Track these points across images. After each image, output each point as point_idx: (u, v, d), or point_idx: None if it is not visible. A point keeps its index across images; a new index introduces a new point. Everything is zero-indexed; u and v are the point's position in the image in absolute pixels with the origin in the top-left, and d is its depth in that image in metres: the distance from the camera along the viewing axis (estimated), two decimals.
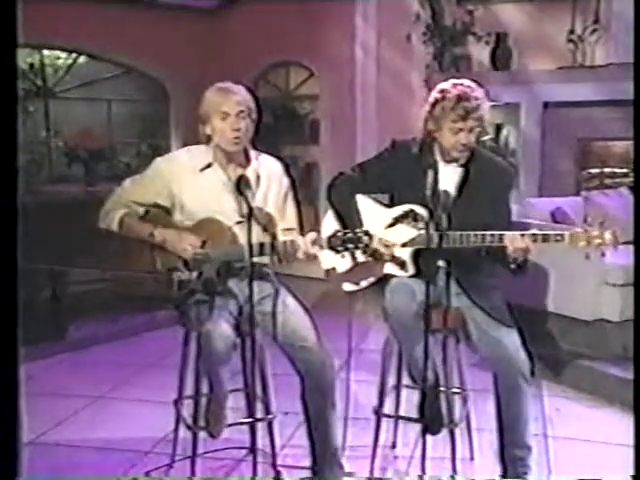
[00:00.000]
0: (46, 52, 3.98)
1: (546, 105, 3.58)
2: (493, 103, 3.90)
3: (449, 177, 1.73)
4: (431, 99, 1.72)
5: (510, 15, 3.69)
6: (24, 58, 3.79)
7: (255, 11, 4.12)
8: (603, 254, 1.63)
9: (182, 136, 4.27)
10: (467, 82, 1.70)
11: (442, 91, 1.70)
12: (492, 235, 1.63)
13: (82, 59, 4.11)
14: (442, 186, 1.65)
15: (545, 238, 1.62)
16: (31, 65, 3.92)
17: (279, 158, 1.86)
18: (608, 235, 1.59)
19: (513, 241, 1.62)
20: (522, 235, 1.62)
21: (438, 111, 1.68)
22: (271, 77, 4.46)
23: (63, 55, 4.05)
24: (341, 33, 3.96)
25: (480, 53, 3.78)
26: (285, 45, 4.12)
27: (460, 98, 1.65)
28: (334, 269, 1.82)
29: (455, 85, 1.68)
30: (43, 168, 3.96)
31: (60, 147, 3.91)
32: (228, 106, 1.68)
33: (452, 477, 1.76)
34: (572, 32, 3.48)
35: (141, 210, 1.75)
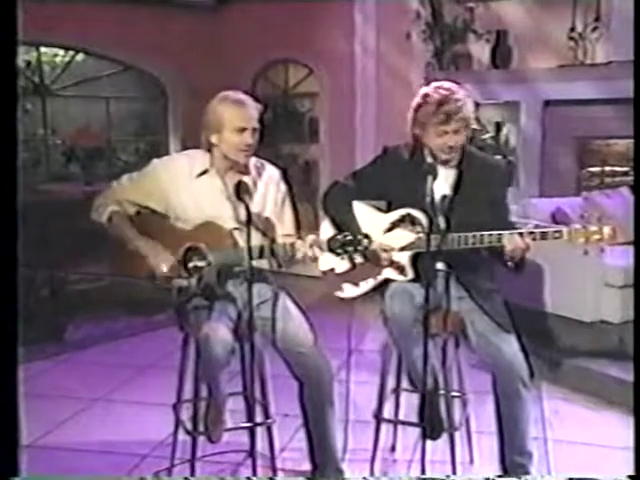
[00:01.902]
0: (43, 49, 3.94)
1: (546, 103, 3.56)
2: (493, 101, 3.89)
3: (443, 179, 1.73)
4: (414, 104, 1.73)
5: (510, 13, 3.66)
6: (21, 55, 3.75)
7: (254, 8, 4.09)
8: (602, 250, 1.62)
9: (180, 134, 4.25)
10: (447, 84, 1.70)
11: (424, 96, 1.70)
12: (490, 235, 1.63)
13: (80, 56, 4.08)
14: (438, 188, 1.64)
15: (543, 235, 1.62)
16: (28, 63, 3.88)
17: (276, 164, 1.86)
18: (607, 230, 1.59)
19: (512, 240, 1.62)
20: (520, 234, 1.61)
21: (421, 115, 1.70)
22: (270, 75, 4.43)
23: (60, 52, 4.02)
24: (340, 31, 3.94)
25: (480, 51, 3.76)
26: (284, 42, 4.09)
27: (441, 102, 1.66)
28: (332, 270, 1.81)
29: (436, 89, 1.69)
30: (40, 167, 3.93)
31: (58, 145, 3.89)
32: (245, 121, 1.67)
33: (448, 477, 1.76)
34: (573, 30, 3.45)
35: (133, 210, 1.75)
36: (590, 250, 1.61)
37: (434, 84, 1.72)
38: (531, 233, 1.62)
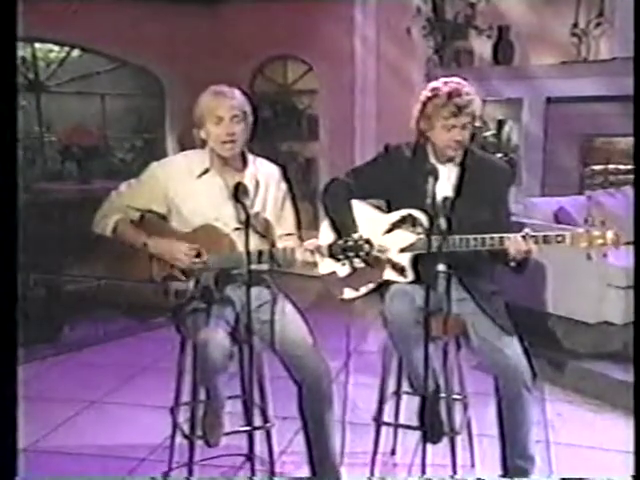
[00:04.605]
0: (38, 45, 3.89)
1: (549, 100, 3.53)
2: (494, 98, 3.85)
3: (445, 178, 1.71)
4: (422, 98, 1.71)
5: (512, 8, 3.62)
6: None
7: (252, 4, 4.04)
8: (605, 254, 1.61)
9: (178, 131, 4.21)
10: (457, 79, 1.70)
11: (433, 89, 1.69)
12: (492, 238, 1.62)
13: (75, 52, 4.03)
14: (439, 189, 1.62)
15: (546, 239, 1.61)
16: (23, 59, 3.83)
17: (275, 162, 1.84)
18: (610, 235, 1.58)
19: (515, 244, 1.60)
20: (523, 237, 1.59)
21: (430, 109, 1.68)
22: (268, 71, 4.39)
23: (56, 48, 3.97)
24: (340, 26, 3.90)
25: (482, 47, 3.72)
26: (283, 39, 4.06)
27: (451, 94, 1.65)
28: (333, 273, 1.79)
29: (446, 83, 1.68)
30: (35, 165, 3.89)
31: (53, 143, 3.85)
32: (222, 110, 1.65)
33: (451, 477, 1.74)
34: (576, 26, 3.41)
35: (137, 215, 1.73)
36: (593, 255, 1.59)
37: (442, 79, 1.71)
38: (533, 237, 1.60)
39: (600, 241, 1.57)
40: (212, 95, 1.67)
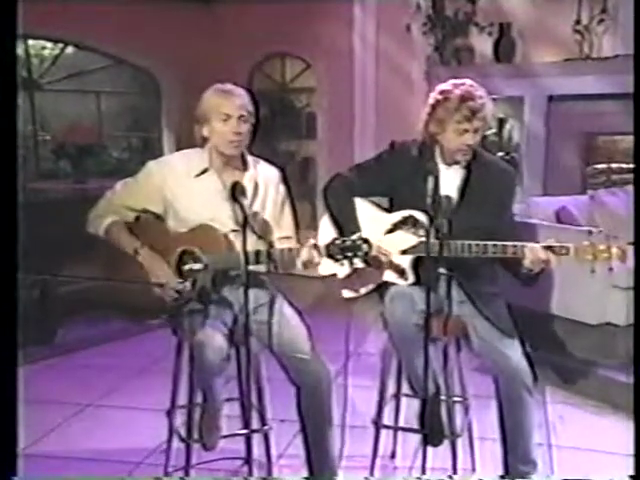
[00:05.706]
0: (31, 42, 3.83)
1: (551, 98, 3.51)
2: (496, 96, 3.84)
3: (450, 180, 1.68)
4: (431, 101, 1.66)
5: (514, 4, 3.60)
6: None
7: (250, 1, 3.99)
8: (611, 269, 1.58)
9: (174, 129, 4.17)
10: (469, 81, 1.65)
11: (443, 92, 1.64)
12: (495, 246, 1.59)
13: (69, 49, 3.98)
14: (443, 190, 1.60)
15: (550, 250, 1.58)
16: None
17: (275, 164, 1.82)
18: (615, 250, 1.55)
19: (533, 252, 1.56)
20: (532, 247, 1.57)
21: (441, 113, 1.63)
22: (266, 69, 4.35)
23: (49, 45, 3.91)
24: (339, 23, 3.87)
25: (483, 44, 3.70)
26: (281, 36, 4.02)
27: (464, 98, 1.60)
28: (334, 275, 1.76)
29: (457, 85, 1.64)
30: (29, 164, 3.84)
31: (47, 142, 3.80)
32: (230, 108, 1.63)
33: (450, 477, 1.72)
34: (578, 22, 3.39)
35: (132, 215, 1.70)
36: (597, 269, 1.57)
37: (451, 81, 1.66)
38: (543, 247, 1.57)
39: (605, 255, 1.55)
40: (220, 92, 1.65)
